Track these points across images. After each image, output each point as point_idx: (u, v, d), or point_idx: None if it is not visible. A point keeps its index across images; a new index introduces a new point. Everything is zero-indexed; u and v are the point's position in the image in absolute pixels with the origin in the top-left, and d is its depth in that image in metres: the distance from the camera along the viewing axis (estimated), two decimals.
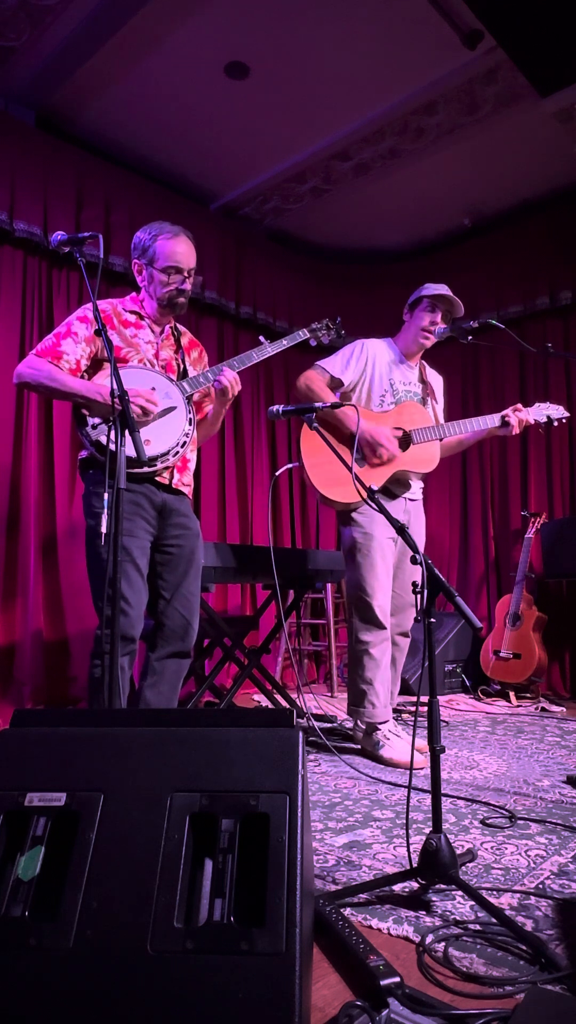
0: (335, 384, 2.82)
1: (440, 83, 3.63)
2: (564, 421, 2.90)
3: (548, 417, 2.87)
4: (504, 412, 2.83)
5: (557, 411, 2.89)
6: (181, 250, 2.27)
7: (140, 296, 2.37)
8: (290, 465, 2.94)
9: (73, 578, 3.82)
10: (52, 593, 3.86)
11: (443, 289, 2.82)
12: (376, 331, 3.02)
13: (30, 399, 3.83)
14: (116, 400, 1.75)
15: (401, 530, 1.67)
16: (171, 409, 2.19)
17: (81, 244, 1.90)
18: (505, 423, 2.81)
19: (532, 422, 2.85)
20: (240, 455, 4.96)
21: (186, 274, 2.29)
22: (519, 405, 2.86)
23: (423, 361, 3.01)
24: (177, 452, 2.20)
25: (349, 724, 3.00)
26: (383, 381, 2.85)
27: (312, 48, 3.44)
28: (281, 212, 4.91)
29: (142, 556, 2.18)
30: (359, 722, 2.78)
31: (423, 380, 2.98)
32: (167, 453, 2.17)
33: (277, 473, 2.86)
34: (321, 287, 5.38)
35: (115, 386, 1.75)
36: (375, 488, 2.74)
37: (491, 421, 2.83)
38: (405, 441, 2.77)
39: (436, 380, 3.07)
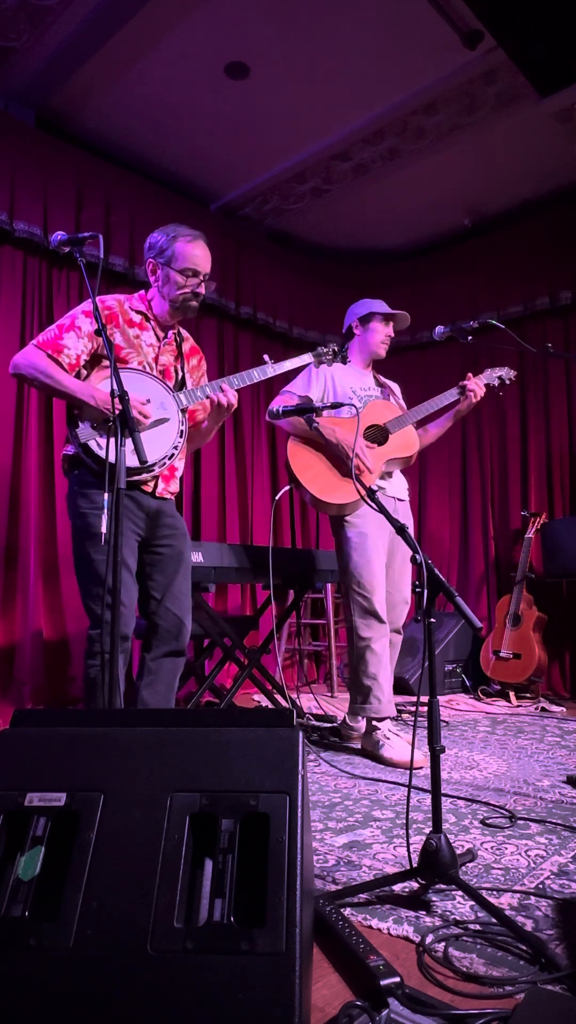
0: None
1: (440, 83, 3.63)
2: (513, 379, 3.05)
3: (500, 379, 3.03)
4: (460, 385, 2.95)
5: (505, 372, 3.05)
6: (199, 254, 2.28)
7: (148, 295, 2.35)
8: (284, 489, 3.01)
9: (73, 578, 3.80)
10: (52, 593, 3.86)
11: (385, 307, 3.00)
12: None
13: (31, 398, 3.83)
14: (116, 401, 1.75)
15: (401, 530, 1.68)
16: (163, 421, 2.19)
17: (81, 244, 1.90)
18: (463, 390, 2.92)
19: (484, 384, 2.97)
20: (240, 455, 4.96)
21: (202, 278, 2.29)
22: (469, 374, 2.97)
23: (374, 372, 3.13)
24: (164, 463, 2.20)
25: (350, 724, 3.00)
26: (345, 390, 2.96)
27: (312, 48, 3.44)
28: (281, 212, 4.91)
29: (131, 555, 2.19)
30: (361, 717, 2.80)
31: (380, 384, 3.11)
32: (153, 465, 2.17)
33: (276, 497, 2.91)
34: (321, 287, 5.38)
35: (115, 387, 1.75)
36: (374, 488, 2.79)
37: (450, 395, 2.95)
38: (384, 434, 2.88)
39: (394, 385, 3.17)
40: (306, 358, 2.59)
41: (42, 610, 3.79)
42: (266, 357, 2.46)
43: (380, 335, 3.02)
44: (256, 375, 2.39)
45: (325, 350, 2.64)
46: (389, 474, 2.95)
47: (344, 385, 2.97)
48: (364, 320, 3.04)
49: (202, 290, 2.31)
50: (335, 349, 2.66)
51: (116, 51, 3.45)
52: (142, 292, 2.38)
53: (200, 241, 2.29)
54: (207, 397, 2.28)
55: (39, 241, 3.82)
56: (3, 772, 1.08)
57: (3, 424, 3.73)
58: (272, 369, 2.42)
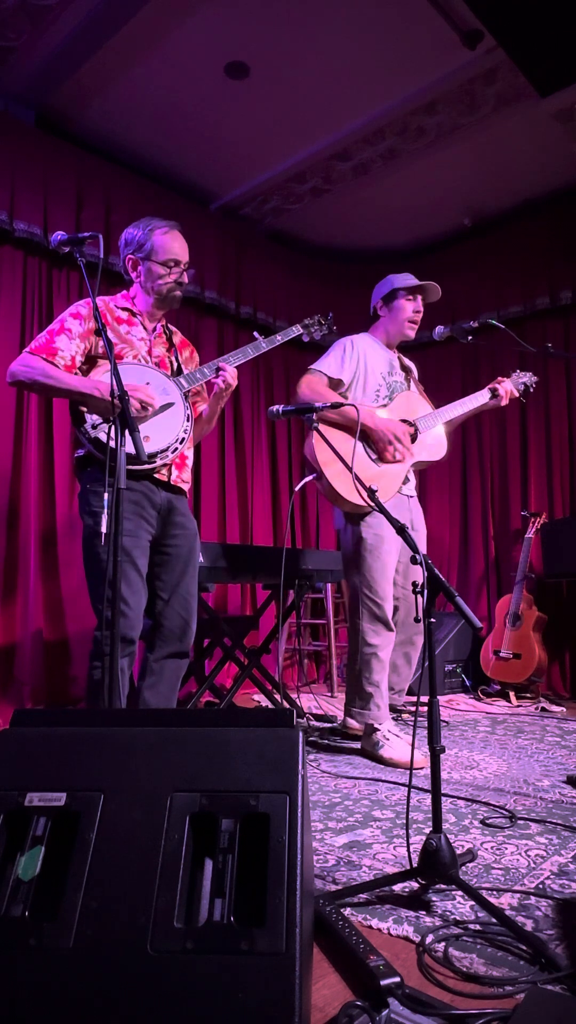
0: (335, 385, 2.84)
1: (440, 83, 3.63)
2: (535, 385, 3.09)
3: (524, 385, 3.04)
4: (491, 385, 2.96)
5: (528, 377, 3.06)
6: (179, 243, 2.32)
7: (131, 293, 2.38)
8: (309, 478, 2.93)
9: (73, 578, 3.82)
10: (52, 593, 3.86)
11: (413, 279, 2.90)
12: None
13: (30, 399, 3.83)
14: (116, 400, 1.75)
15: (401, 530, 1.68)
16: (169, 405, 2.19)
17: (81, 244, 1.90)
18: (495, 394, 2.93)
19: (515, 393, 3.00)
20: (240, 455, 4.96)
21: (183, 266, 2.32)
22: (500, 378, 2.98)
23: (399, 353, 3.07)
24: (176, 448, 2.19)
25: (350, 724, 3.00)
26: (375, 375, 2.89)
27: (312, 48, 3.44)
28: (281, 212, 4.91)
29: (142, 556, 2.17)
30: (359, 722, 2.79)
31: (404, 367, 3.04)
32: (166, 450, 2.16)
33: (296, 487, 2.87)
34: (321, 287, 5.38)
35: (115, 386, 1.75)
36: (396, 486, 2.78)
37: (482, 396, 2.94)
38: (414, 433, 2.83)
39: (413, 367, 3.13)
40: (296, 329, 2.61)
41: (42, 610, 3.79)
42: (256, 334, 2.48)
43: (407, 312, 2.86)
44: (250, 351, 2.41)
45: (311, 320, 2.66)
46: (406, 477, 2.89)
47: (375, 370, 2.88)
48: (388, 299, 2.90)
49: (185, 279, 2.34)
50: (320, 319, 2.67)
51: (116, 51, 3.45)
52: (124, 292, 2.40)
53: (176, 231, 2.33)
54: (207, 378, 2.30)
55: (39, 241, 3.82)
56: (3, 772, 1.08)
57: (3, 425, 3.73)
58: (265, 343, 2.44)
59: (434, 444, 2.86)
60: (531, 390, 3.05)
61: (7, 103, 3.82)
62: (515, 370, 3.13)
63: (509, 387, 2.94)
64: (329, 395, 2.75)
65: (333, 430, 2.69)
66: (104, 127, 4.05)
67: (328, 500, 2.84)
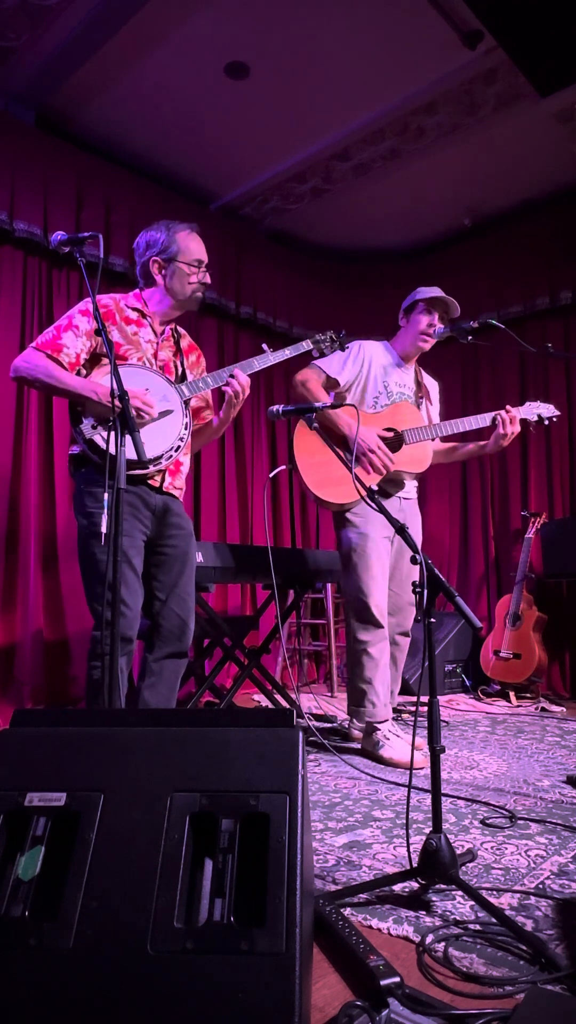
0: (331, 384, 2.84)
1: (440, 83, 3.63)
2: (555, 420, 2.91)
3: (539, 416, 2.87)
4: (496, 412, 2.80)
5: (548, 410, 2.89)
6: (200, 244, 2.34)
7: (145, 294, 2.36)
8: (281, 468, 2.94)
9: (73, 578, 3.82)
10: (52, 593, 3.86)
11: (437, 292, 2.85)
12: (377, 331, 3.03)
13: (30, 399, 3.83)
14: (116, 400, 1.75)
15: (401, 530, 1.68)
16: (168, 412, 2.18)
17: (81, 244, 1.90)
18: (494, 421, 2.79)
19: (518, 416, 2.82)
20: (240, 455, 4.96)
21: (205, 267, 2.34)
22: (508, 406, 2.84)
23: (419, 366, 3.03)
24: (170, 456, 2.18)
25: (348, 724, 3.00)
26: (377, 383, 2.87)
27: (312, 48, 3.44)
28: (281, 212, 4.91)
29: (137, 556, 2.17)
30: (358, 721, 2.78)
31: (419, 382, 3.00)
32: (160, 457, 2.15)
33: (271, 475, 2.86)
34: (321, 287, 5.38)
35: (115, 386, 1.75)
36: (374, 488, 2.77)
37: (483, 420, 2.82)
38: (397, 441, 2.79)
39: (432, 385, 3.10)
40: (306, 345, 2.59)
41: (42, 610, 3.79)
42: (264, 346, 2.46)
43: (421, 325, 2.84)
44: (256, 364, 2.40)
45: (323, 337, 2.64)
46: (402, 482, 2.89)
47: (378, 376, 2.86)
48: (408, 310, 2.90)
49: (207, 279, 2.35)
50: (332, 336, 2.66)
51: (116, 51, 3.45)
52: (136, 291, 2.39)
53: (197, 232, 2.35)
54: (209, 388, 2.30)
55: (39, 241, 3.82)
56: (3, 772, 1.08)
57: (3, 424, 3.73)
58: (272, 357, 2.43)
59: (417, 457, 2.82)
60: (545, 423, 2.86)
61: (7, 103, 3.82)
62: (534, 400, 2.96)
63: (515, 413, 2.78)
64: (320, 393, 2.76)
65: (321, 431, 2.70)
66: (104, 127, 4.05)
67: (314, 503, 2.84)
